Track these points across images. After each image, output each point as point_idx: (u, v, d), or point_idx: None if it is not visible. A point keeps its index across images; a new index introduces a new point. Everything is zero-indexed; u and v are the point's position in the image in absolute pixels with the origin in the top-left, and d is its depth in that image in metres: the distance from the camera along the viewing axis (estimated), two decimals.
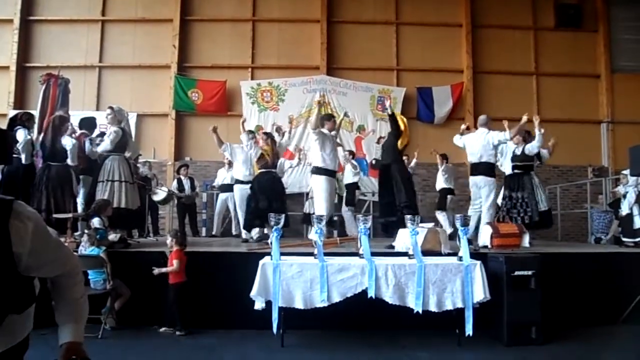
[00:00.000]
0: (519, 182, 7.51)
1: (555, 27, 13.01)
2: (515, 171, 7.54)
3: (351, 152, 10.69)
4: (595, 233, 9.85)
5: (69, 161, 6.41)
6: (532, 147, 7.40)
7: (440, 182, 10.18)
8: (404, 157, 10.21)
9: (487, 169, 7.02)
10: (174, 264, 5.06)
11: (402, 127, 6.85)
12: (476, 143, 7.12)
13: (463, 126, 7.79)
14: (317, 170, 6.88)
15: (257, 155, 7.59)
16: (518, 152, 7.55)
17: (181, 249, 5.20)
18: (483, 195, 7.01)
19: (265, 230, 7.25)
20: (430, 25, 12.96)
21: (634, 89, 12.75)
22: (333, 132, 7.11)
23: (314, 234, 5.02)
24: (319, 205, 6.75)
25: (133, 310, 5.20)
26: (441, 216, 9.73)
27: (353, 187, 9.76)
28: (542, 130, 7.21)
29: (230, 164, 9.80)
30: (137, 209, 6.86)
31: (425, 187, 11.94)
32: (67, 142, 6.39)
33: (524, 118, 6.86)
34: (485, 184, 6.98)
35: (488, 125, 7.16)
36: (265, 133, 8.03)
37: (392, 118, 6.93)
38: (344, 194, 9.56)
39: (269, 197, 7.16)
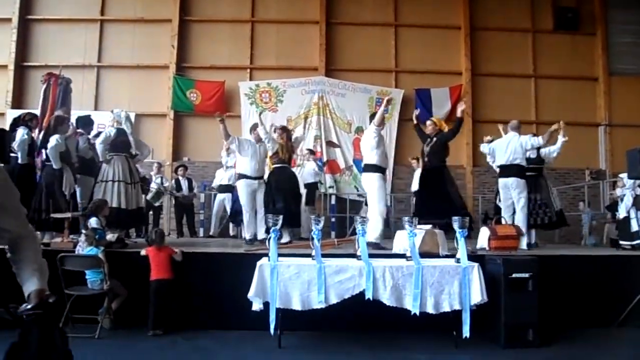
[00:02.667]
0: (535, 184, 7.61)
1: (553, 29, 13.06)
2: (529, 174, 7.55)
3: (311, 152, 10.72)
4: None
5: (52, 164, 6.32)
6: (550, 152, 7.60)
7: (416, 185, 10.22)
8: (414, 160, 10.38)
9: (518, 171, 7.16)
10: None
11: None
12: (508, 146, 7.24)
13: (487, 138, 7.88)
14: (370, 168, 6.64)
15: (274, 149, 7.32)
16: (533, 155, 7.63)
17: (158, 247, 5.21)
18: (515, 196, 7.15)
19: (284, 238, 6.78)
20: (429, 27, 13.00)
21: (631, 91, 12.80)
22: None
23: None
24: (374, 204, 6.50)
25: (130, 310, 5.19)
26: None
27: (313, 186, 9.75)
28: (566, 138, 7.43)
29: (230, 158, 9.79)
30: (135, 209, 6.84)
31: None
32: (50, 141, 6.28)
33: (554, 125, 7.15)
34: (517, 186, 7.12)
35: (519, 130, 7.35)
36: (281, 127, 7.85)
37: (460, 122, 7.10)
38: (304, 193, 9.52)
39: (286, 196, 7.05)
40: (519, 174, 7.18)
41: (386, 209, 6.68)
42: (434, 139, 7.13)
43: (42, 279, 1.80)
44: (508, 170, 7.23)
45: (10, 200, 1.78)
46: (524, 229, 6.85)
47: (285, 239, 6.85)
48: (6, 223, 1.76)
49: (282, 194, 7.09)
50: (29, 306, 1.70)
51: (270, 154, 7.44)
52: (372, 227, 6.06)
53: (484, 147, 7.86)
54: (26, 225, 1.86)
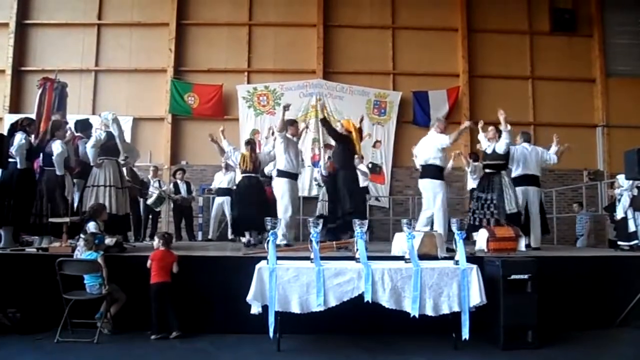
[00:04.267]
0: (489, 182, 7.12)
1: (550, 31, 13.10)
2: (487, 171, 7.23)
3: (361, 157, 10.57)
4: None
5: (56, 170, 6.32)
6: (500, 146, 7.04)
7: (471, 183, 9.87)
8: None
9: (432, 171, 6.78)
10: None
11: (354, 135, 7.10)
12: (424, 146, 6.97)
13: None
14: (279, 173, 7.02)
15: (237, 161, 7.58)
16: (489, 151, 7.22)
17: (163, 249, 5.21)
18: (430, 198, 6.80)
19: (246, 238, 7.38)
20: (426, 29, 13.04)
21: (628, 92, 12.84)
22: (295, 138, 7.27)
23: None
24: (280, 210, 6.89)
25: (129, 315, 5.18)
26: None
27: (363, 191, 9.52)
28: (509, 127, 6.94)
29: (227, 167, 9.83)
30: (124, 215, 6.81)
31: None
32: (55, 148, 6.27)
33: (466, 123, 6.72)
34: (431, 187, 6.78)
35: (436, 128, 6.95)
36: (246, 141, 8.02)
37: (323, 123, 7.07)
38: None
39: (246, 203, 7.22)
40: (432, 175, 6.77)
41: (291, 214, 6.89)
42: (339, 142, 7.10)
43: None
44: (423, 171, 6.93)
45: None
46: (441, 231, 6.37)
47: (246, 238, 7.41)
48: None
49: (244, 201, 7.30)
50: None
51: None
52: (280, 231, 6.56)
53: (414, 150, 7.45)
54: None
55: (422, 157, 6.95)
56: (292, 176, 7.01)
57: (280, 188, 6.97)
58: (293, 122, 7.47)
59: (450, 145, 6.84)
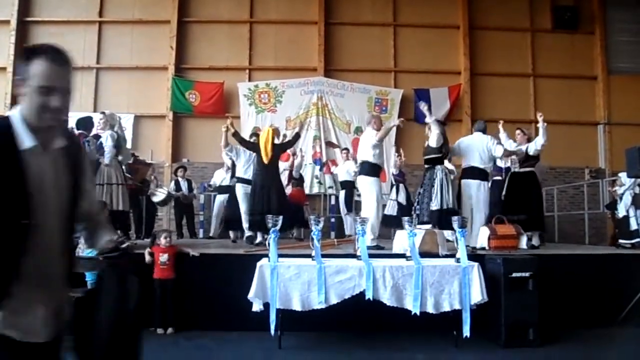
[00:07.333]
0: (424, 177, 7.02)
1: (552, 29, 13.05)
2: (426, 166, 7.10)
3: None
4: None
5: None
6: (431, 138, 6.89)
7: None
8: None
9: (366, 168, 6.69)
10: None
11: (261, 145, 7.12)
12: (361, 143, 6.95)
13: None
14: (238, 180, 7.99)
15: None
16: (433, 144, 7.00)
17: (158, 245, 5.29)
18: (362, 194, 6.76)
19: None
20: (427, 27, 12.99)
21: (630, 90, 12.79)
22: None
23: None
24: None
25: None
26: None
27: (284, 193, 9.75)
28: (433, 118, 6.84)
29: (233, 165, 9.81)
30: (127, 211, 6.96)
31: None
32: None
33: (396, 121, 6.64)
34: (363, 184, 6.71)
35: (372, 125, 6.78)
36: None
37: (234, 135, 7.41)
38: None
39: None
40: (366, 172, 6.66)
41: (248, 211, 7.36)
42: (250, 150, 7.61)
43: (112, 233, 2.03)
44: (359, 168, 6.93)
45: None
46: (373, 227, 6.32)
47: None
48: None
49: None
50: (106, 250, 1.90)
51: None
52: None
53: None
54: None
55: (359, 154, 6.97)
56: (244, 181, 7.75)
57: (238, 192, 7.87)
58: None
59: (378, 142, 6.62)
